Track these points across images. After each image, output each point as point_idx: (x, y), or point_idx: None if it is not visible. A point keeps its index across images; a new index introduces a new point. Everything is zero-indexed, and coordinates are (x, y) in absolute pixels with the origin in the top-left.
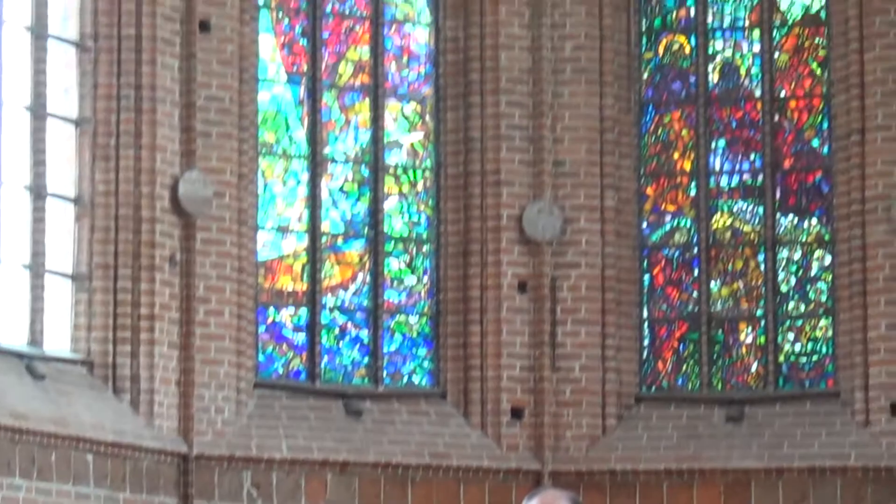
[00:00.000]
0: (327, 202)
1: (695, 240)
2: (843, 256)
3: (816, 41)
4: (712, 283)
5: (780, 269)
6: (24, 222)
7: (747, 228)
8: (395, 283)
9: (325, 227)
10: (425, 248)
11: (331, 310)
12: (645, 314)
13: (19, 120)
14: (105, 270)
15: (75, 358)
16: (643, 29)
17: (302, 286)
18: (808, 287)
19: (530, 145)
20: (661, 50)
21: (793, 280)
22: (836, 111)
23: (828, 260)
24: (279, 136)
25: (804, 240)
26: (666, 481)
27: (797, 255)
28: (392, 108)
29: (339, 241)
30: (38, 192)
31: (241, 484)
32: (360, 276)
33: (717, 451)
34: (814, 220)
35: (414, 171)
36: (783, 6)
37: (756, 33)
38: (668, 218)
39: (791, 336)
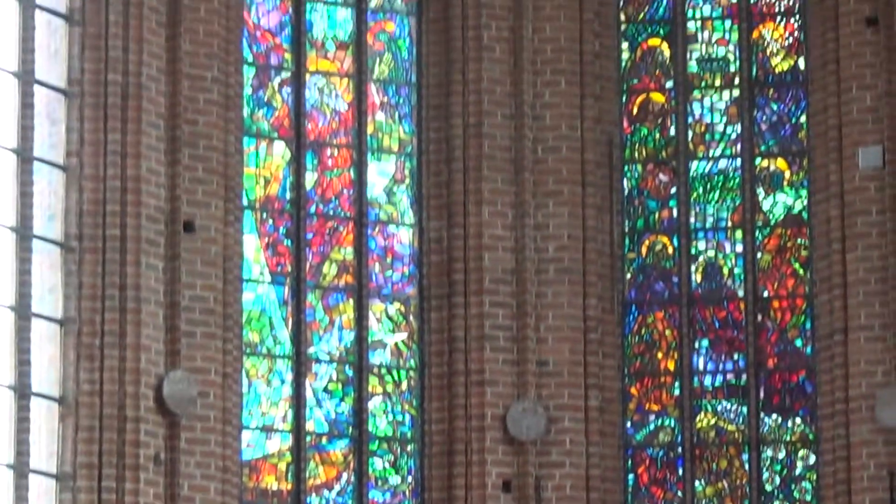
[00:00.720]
0: (311, 402)
1: (679, 439)
2: (828, 456)
3: (799, 241)
4: (697, 483)
5: (765, 468)
6: (8, 422)
7: (731, 428)
8: (380, 482)
9: (309, 426)
10: (409, 447)
11: None
12: None
13: (3, 319)
14: (89, 470)
15: None
16: (626, 229)
17: (286, 486)
18: (793, 486)
19: (514, 345)
20: (644, 250)
21: (777, 480)
22: (819, 311)
23: (812, 459)
24: (263, 336)
25: (788, 439)
26: None
27: (781, 455)
28: (376, 308)
29: (324, 440)
30: (23, 392)
31: None
32: (345, 475)
33: None
34: (798, 420)
35: (398, 371)
36: (765, 207)
37: (738, 234)
38: (652, 417)
39: None
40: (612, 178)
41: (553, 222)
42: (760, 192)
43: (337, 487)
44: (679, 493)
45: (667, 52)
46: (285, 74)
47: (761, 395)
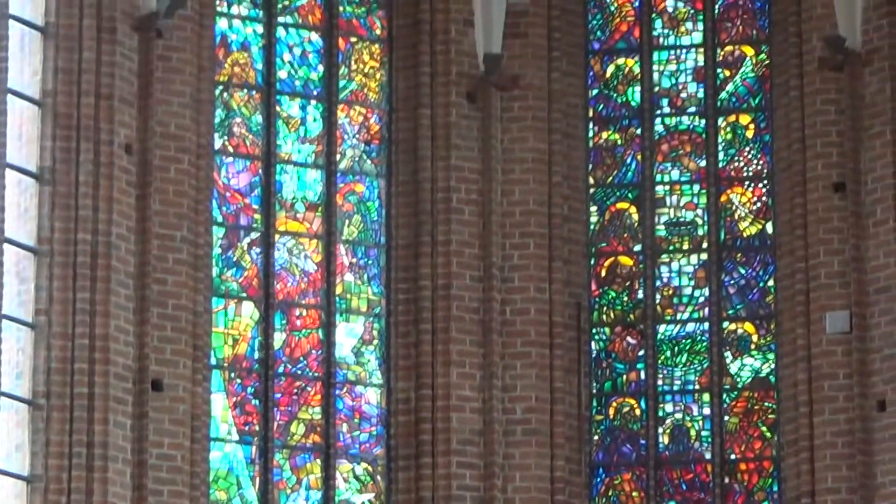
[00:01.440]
0: None
1: None
2: None
3: (766, 404)
4: None
5: None
6: None
7: None
8: None
9: None
10: None
11: None
12: None
13: None
14: None
15: None
16: (594, 392)
17: None
18: None
19: None
20: (611, 412)
21: None
22: (786, 474)
23: None
24: (231, 495)
25: None
26: None
27: None
28: (343, 468)
29: None
30: None
31: None
32: None
33: None
34: None
35: None
36: (733, 370)
37: (706, 397)
38: None
39: None
40: (580, 340)
41: (521, 384)
42: (728, 355)
43: None
44: None
45: (635, 216)
46: (255, 235)
47: None
